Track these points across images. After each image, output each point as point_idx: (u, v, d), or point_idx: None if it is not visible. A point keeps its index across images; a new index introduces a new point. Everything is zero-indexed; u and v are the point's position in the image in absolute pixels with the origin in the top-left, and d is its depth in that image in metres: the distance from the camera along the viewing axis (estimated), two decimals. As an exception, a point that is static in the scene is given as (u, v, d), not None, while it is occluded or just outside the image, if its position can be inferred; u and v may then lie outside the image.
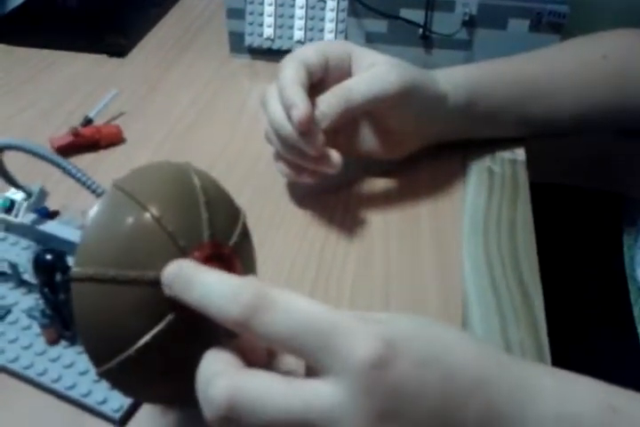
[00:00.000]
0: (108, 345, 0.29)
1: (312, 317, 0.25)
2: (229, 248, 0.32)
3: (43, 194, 0.42)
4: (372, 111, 0.48)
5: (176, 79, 0.66)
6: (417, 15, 0.63)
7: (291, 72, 0.44)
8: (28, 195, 0.42)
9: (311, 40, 0.66)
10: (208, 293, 0.26)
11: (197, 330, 0.30)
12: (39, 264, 0.35)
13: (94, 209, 0.30)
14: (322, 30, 0.65)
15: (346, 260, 0.45)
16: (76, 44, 0.70)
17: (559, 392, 0.28)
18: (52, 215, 0.42)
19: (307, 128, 0.42)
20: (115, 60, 0.69)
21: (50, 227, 0.41)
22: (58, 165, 0.36)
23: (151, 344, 0.28)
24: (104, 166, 0.53)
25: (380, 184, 0.52)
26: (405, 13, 0.63)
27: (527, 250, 0.46)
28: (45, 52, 0.70)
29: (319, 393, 0.24)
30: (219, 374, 0.25)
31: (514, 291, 0.43)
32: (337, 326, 0.25)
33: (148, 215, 0.29)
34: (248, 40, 0.67)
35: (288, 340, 0.25)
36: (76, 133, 0.52)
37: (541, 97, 0.53)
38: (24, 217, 0.41)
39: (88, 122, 0.55)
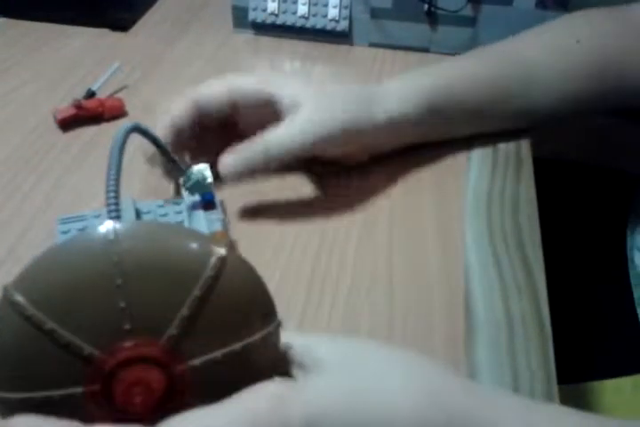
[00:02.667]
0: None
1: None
2: (162, 344, 0.25)
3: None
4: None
5: (179, 54, 0.66)
6: (422, -10, 0.62)
7: (173, 114, 0.45)
8: None
9: (315, 16, 0.65)
10: None
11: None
12: None
13: None
14: (326, 5, 0.65)
15: (348, 236, 0.45)
16: (78, 17, 0.69)
17: None
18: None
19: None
20: (117, 35, 0.68)
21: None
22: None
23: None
24: (107, 139, 0.52)
25: (383, 159, 0.51)
26: (411, -12, 0.62)
27: (530, 225, 0.46)
28: (48, 25, 0.69)
29: None
30: None
31: (516, 265, 0.43)
32: None
33: (35, 331, 0.24)
34: (252, 15, 0.67)
35: None
36: (79, 106, 0.52)
37: (518, 96, 0.51)
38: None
39: (91, 95, 0.54)
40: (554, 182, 0.66)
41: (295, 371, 0.28)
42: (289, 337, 0.28)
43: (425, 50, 0.66)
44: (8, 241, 0.44)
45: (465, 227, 0.46)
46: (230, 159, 0.43)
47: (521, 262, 0.43)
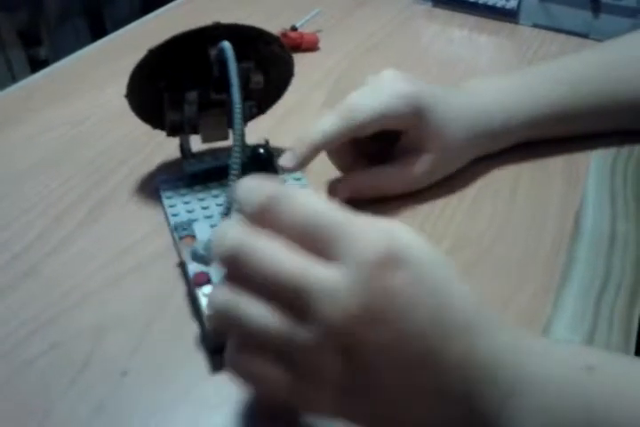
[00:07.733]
0: None
1: (329, 211, 0.26)
2: None
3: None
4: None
5: (366, 12, 0.77)
6: (591, -21, 0.69)
7: (324, 126, 0.44)
8: None
9: (489, -6, 0.74)
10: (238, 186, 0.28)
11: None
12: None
13: None
14: (503, -15, 0.74)
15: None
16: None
17: (538, 354, 0.29)
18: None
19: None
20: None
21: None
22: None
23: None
24: (300, 66, 0.64)
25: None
26: (581, -24, 0.69)
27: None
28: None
29: (320, 268, 0.26)
30: (235, 226, 0.27)
31: (629, 198, 0.49)
32: (353, 223, 0.26)
33: None
34: (434, -12, 0.77)
35: (304, 228, 0.26)
36: (284, 34, 0.64)
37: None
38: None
39: (294, 29, 0.67)
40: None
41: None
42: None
43: (584, 35, 0.72)
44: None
45: (590, 166, 0.52)
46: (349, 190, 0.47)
47: (634, 197, 0.49)
